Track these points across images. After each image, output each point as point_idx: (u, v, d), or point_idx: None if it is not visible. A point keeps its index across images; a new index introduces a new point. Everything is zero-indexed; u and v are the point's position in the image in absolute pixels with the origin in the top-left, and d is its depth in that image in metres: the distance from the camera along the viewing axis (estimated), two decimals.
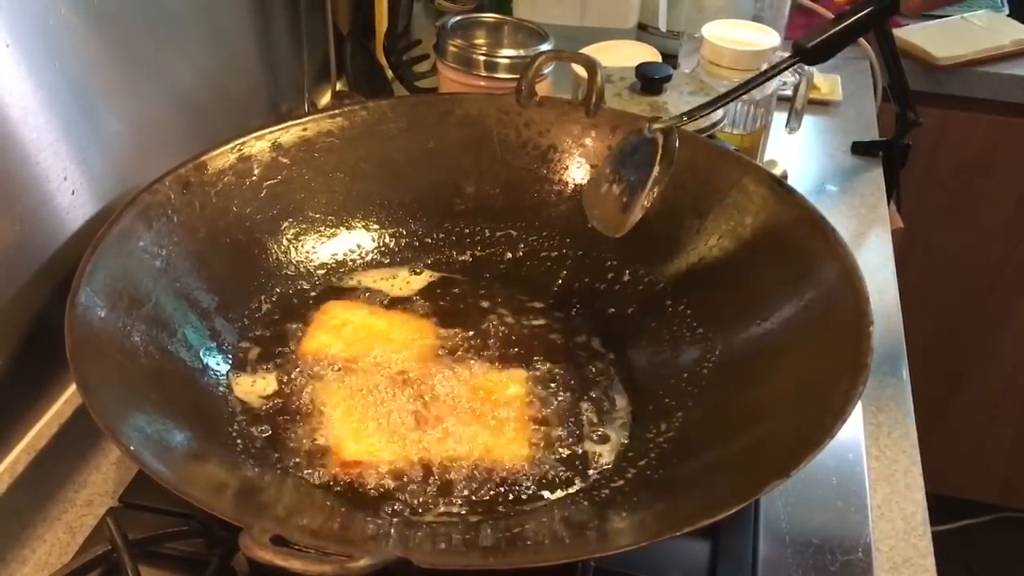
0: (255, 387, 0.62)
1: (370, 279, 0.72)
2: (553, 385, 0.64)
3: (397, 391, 0.62)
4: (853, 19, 0.61)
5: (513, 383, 0.63)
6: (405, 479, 0.56)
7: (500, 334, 0.68)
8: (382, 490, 0.55)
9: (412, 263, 0.74)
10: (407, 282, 0.72)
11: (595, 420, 0.61)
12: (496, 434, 0.59)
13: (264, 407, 0.61)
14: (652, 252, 0.71)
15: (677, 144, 0.63)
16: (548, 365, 0.65)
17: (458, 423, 0.60)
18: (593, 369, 0.65)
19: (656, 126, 0.63)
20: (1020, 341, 1.49)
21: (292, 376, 0.63)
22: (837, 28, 0.62)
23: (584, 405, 0.62)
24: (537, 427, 0.60)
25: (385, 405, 0.61)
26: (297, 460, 0.57)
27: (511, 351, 0.66)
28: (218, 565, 0.52)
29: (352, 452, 0.57)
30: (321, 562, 0.37)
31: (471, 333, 0.68)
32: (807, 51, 0.61)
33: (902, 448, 0.66)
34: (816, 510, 0.59)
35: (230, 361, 0.63)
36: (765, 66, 0.87)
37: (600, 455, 0.59)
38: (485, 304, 0.71)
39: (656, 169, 0.63)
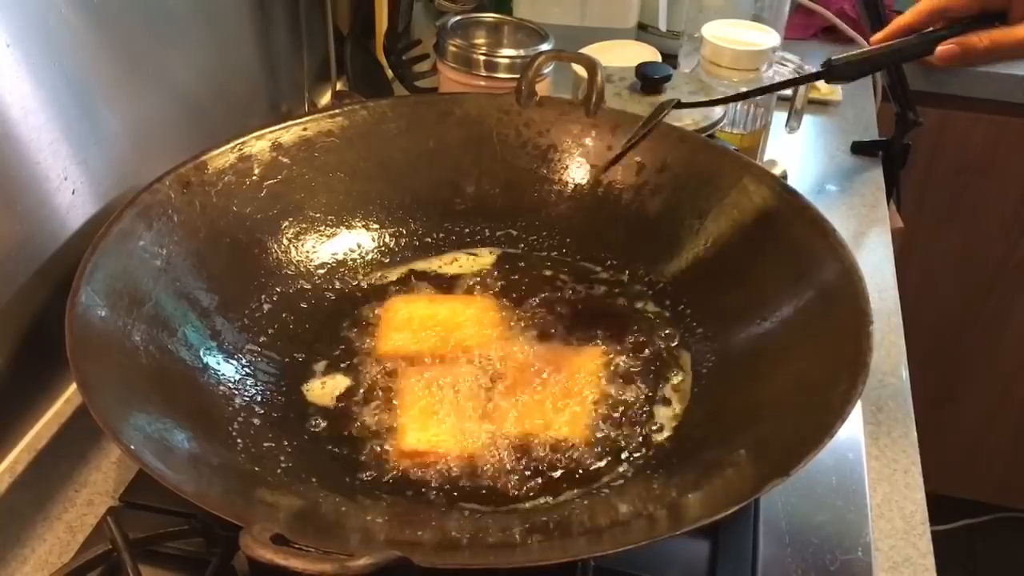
0: (325, 388, 0.63)
1: (424, 265, 0.73)
2: (621, 367, 0.64)
3: (466, 377, 0.63)
4: (887, 47, 0.61)
5: (584, 360, 0.64)
6: (421, 469, 0.57)
7: (562, 309, 0.69)
8: (396, 484, 0.56)
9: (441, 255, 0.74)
10: (473, 259, 0.74)
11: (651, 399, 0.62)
12: (555, 418, 0.60)
13: (339, 413, 0.61)
14: (652, 252, 0.71)
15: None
16: (617, 345, 0.66)
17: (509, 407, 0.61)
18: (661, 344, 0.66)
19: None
20: (1020, 341, 1.49)
21: (366, 378, 0.63)
22: (870, 53, 0.61)
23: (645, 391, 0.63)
24: (597, 409, 0.61)
25: (453, 392, 0.62)
26: (366, 460, 0.58)
27: (577, 326, 0.67)
28: (218, 565, 0.52)
29: (413, 441, 0.58)
30: (321, 561, 0.37)
31: (534, 308, 0.69)
32: (835, 68, 0.61)
33: (902, 448, 0.66)
34: (816, 510, 0.59)
35: (295, 373, 0.64)
36: (764, 66, 0.87)
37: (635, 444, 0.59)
38: (548, 273, 0.72)
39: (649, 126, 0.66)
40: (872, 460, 0.64)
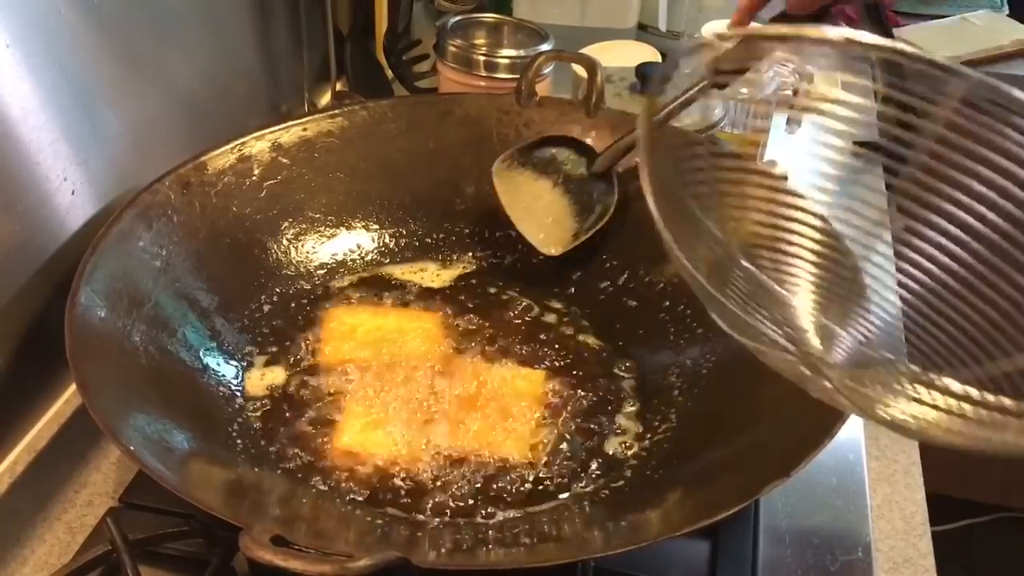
0: (264, 379, 0.63)
1: (399, 271, 0.73)
2: (562, 383, 0.64)
3: (408, 387, 0.62)
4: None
5: (524, 379, 0.63)
6: (406, 474, 0.56)
7: (511, 328, 0.68)
8: (384, 487, 0.56)
9: (441, 256, 0.74)
10: (437, 275, 0.73)
11: (603, 420, 0.61)
12: (503, 430, 0.59)
13: (274, 406, 0.61)
14: (652, 252, 0.71)
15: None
16: (556, 361, 0.65)
17: (464, 418, 0.60)
18: (601, 369, 0.65)
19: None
20: None
21: (306, 384, 0.63)
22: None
23: (593, 405, 0.62)
24: (545, 424, 0.60)
25: (395, 401, 0.61)
26: (302, 458, 0.57)
27: (520, 346, 0.67)
28: (218, 565, 0.52)
29: (350, 443, 0.58)
30: (321, 562, 0.37)
31: (484, 325, 0.68)
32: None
33: (902, 448, 0.66)
34: (816, 510, 0.59)
35: (240, 368, 0.63)
36: (765, 66, 0.87)
37: (607, 454, 0.59)
38: (499, 296, 0.72)
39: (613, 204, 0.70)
40: (872, 460, 0.64)
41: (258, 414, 0.60)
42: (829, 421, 0.48)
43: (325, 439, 0.59)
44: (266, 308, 0.67)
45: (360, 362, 0.64)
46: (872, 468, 0.63)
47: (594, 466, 0.58)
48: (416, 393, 0.62)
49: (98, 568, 0.52)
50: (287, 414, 0.60)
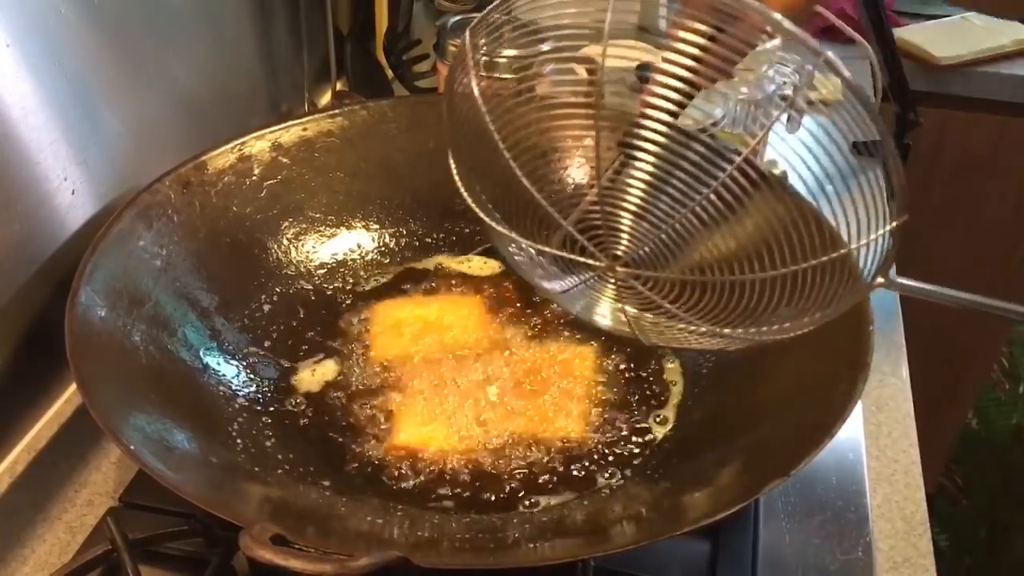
0: (316, 375, 0.63)
1: (441, 260, 0.74)
2: (611, 367, 0.64)
3: (459, 377, 0.63)
4: None
5: (576, 361, 0.64)
6: (453, 468, 0.57)
7: (545, 316, 0.69)
8: (391, 482, 0.56)
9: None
10: (484, 263, 0.74)
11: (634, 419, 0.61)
12: (542, 419, 0.60)
13: (324, 405, 0.61)
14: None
15: None
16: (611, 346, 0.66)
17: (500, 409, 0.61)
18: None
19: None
20: (1020, 341, 1.49)
21: (355, 379, 0.63)
22: None
23: (632, 397, 0.63)
24: (596, 409, 0.61)
25: (448, 392, 0.62)
26: (354, 454, 0.58)
27: (568, 327, 0.67)
28: (218, 565, 0.52)
29: (405, 438, 0.58)
30: (321, 561, 0.37)
31: (526, 308, 0.69)
32: None
33: (902, 448, 0.66)
34: (816, 510, 0.59)
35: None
36: (765, 66, 0.87)
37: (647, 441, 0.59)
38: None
39: None
40: (872, 460, 0.64)
41: (305, 409, 0.61)
42: (829, 421, 0.48)
43: (383, 436, 0.59)
44: (266, 308, 0.67)
45: (410, 355, 0.65)
46: (872, 468, 0.63)
47: (597, 465, 0.58)
48: (468, 383, 0.62)
49: (98, 568, 0.52)
50: (334, 413, 0.61)
